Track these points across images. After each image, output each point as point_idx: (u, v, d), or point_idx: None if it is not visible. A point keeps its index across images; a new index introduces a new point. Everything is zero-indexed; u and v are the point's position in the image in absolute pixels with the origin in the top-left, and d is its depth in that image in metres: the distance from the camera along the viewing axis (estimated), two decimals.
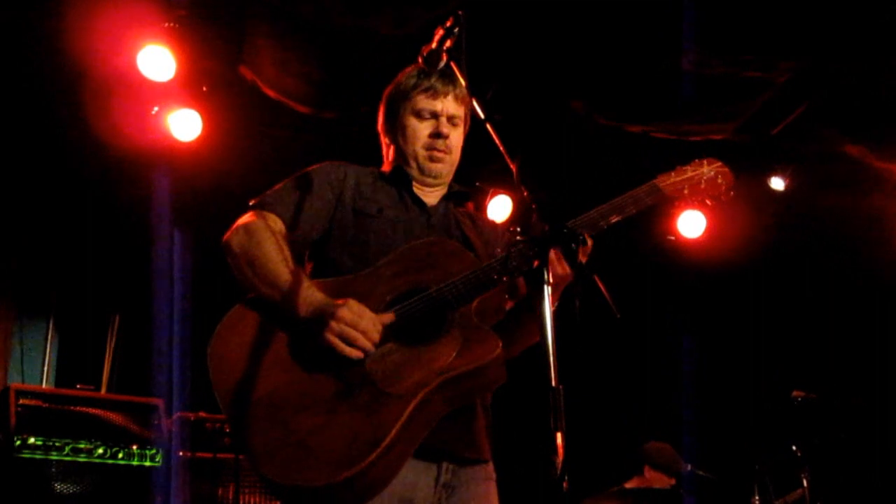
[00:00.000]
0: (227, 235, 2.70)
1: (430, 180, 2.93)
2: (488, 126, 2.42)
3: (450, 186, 3.00)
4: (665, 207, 2.64)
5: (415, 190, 2.92)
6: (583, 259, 2.52)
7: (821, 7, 5.00)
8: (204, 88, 5.54)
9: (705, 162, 2.65)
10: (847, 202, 6.86)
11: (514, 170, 2.31)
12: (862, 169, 6.48)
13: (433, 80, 2.87)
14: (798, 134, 6.19)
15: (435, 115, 2.89)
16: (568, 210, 2.48)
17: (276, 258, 2.60)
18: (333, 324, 2.44)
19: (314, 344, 2.47)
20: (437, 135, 2.89)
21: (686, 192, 2.61)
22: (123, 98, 5.38)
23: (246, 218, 2.72)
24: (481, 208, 6.64)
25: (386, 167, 3.02)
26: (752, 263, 7.35)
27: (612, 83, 5.72)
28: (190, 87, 5.47)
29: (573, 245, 2.19)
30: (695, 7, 4.91)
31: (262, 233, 2.66)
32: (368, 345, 2.45)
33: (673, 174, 2.64)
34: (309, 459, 2.34)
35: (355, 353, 2.44)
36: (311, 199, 2.79)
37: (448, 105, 2.89)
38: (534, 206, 2.23)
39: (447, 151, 2.91)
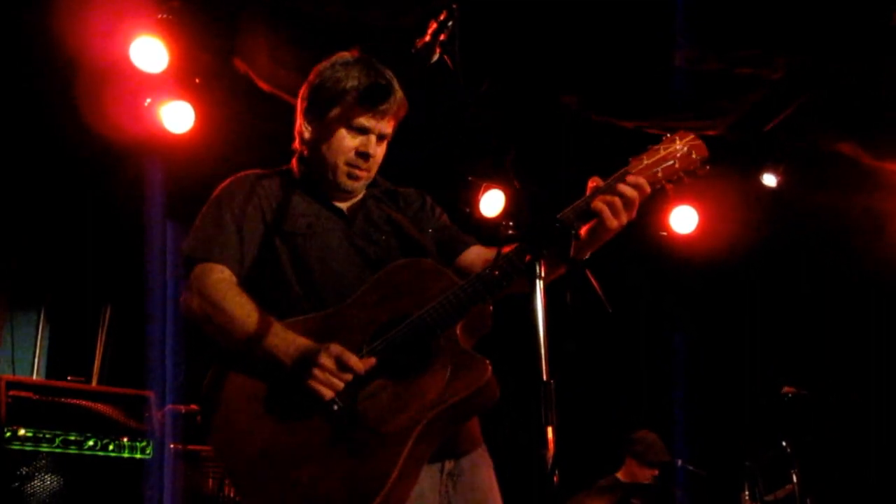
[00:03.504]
0: (183, 299, 2.64)
1: (341, 194, 2.82)
2: (481, 121, 2.41)
3: (370, 187, 2.88)
4: (649, 197, 2.47)
5: (328, 197, 2.81)
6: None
7: (817, 5, 5.00)
8: (197, 80, 5.52)
9: (677, 137, 2.50)
10: (839, 200, 6.87)
11: (506, 164, 2.30)
12: (855, 167, 6.49)
13: (378, 90, 2.70)
14: (791, 131, 6.20)
15: (366, 132, 2.74)
16: (558, 207, 2.46)
17: (242, 313, 2.54)
18: (317, 372, 2.40)
19: (302, 391, 2.43)
20: (363, 154, 2.74)
21: (660, 174, 2.46)
22: (116, 89, 5.35)
23: (195, 278, 2.64)
24: (473, 203, 6.64)
25: (295, 165, 2.90)
26: (745, 259, 7.36)
27: (605, 78, 5.72)
28: (183, 79, 5.45)
29: (566, 240, 2.19)
30: (689, 3, 4.90)
31: (217, 292, 2.59)
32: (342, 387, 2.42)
33: (645, 157, 2.50)
34: None
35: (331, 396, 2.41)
36: (244, 230, 2.70)
37: (383, 124, 2.75)
38: (526, 201, 2.23)
39: (368, 170, 2.79)
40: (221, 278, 2.62)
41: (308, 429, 2.42)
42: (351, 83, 2.73)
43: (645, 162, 2.50)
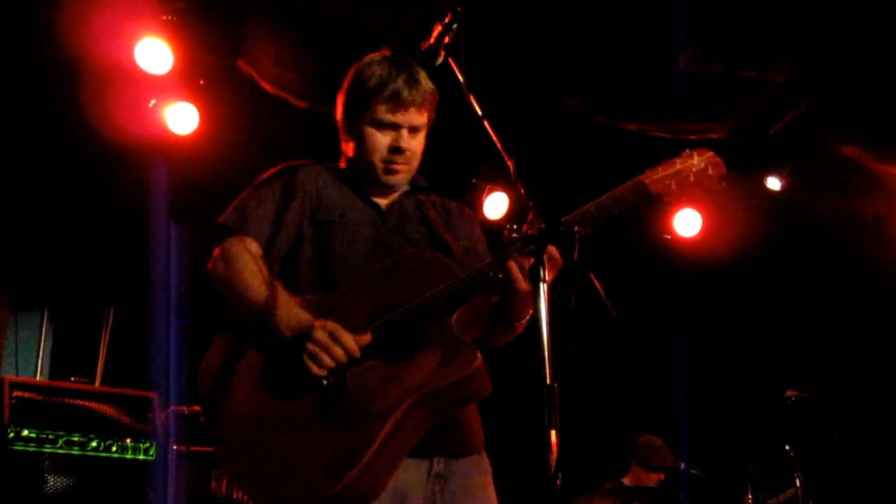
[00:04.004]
0: (208, 266, 2.72)
1: (386, 189, 2.89)
2: (485, 123, 2.43)
3: (411, 182, 2.94)
4: (659, 206, 2.51)
5: (369, 195, 2.88)
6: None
7: (820, 7, 5.00)
8: (201, 82, 5.53)
9: (695, 153, 2.52)
10: (843, 203, 6.87)
11: (510, 167, 2.31)
12: (858, 170, 6.49)
13: (398, 84, 2.77)
14: (795, 134, 6.19)
15: (396, 127, 2.80)
16: (562, 209, 2.47)
17: (256, 282, 2.61)
18: (309, 345, 2.45)
19: (296, 364, 2.48)
20: (395, 149, 2.81)
21: (673, 186, 2.48)
22: (120, 91, 5.36)
23: (224, 246, 2.73)
24: (477, 205, 6.64)
25: (343, 164, 2.98)
26: (748, 262, 7.36)
27: (609, 81, 5.72)
28: (187, 81, 5.45)
29: (570, 242, 2.19)
30: (693, 4, 4.90)
31: (239, 261, 2.67)
32: (333, 365, 2.45)
33: (660, 168, 2.52)
34: (292, 480, 2.39)
35: (322, 373, 2.45)
36: (282, 211, 2.78)
37: (410, 116, 2.80)
38: (530, 204, 2.23)
39: (406, 163, 2.85)
40: (247, 249, 2.70)
41: (297, 400, 2.47)
42: (373, 82, 2.80)
43: (660, 173, 2.53)
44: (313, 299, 2.64)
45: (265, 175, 2.89)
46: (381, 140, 2.81)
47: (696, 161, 2.51)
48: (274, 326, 2.53)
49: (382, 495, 2.49)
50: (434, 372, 2.44)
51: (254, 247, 2.71)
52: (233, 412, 2.51)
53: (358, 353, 2.46)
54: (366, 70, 2.84)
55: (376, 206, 2.87)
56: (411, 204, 2.91)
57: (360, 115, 2.83)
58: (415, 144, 2.85)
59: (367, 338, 2.49)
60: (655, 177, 2.52)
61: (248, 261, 2.66)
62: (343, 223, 2.78)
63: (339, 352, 2.45)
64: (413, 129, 2.83)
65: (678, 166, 2.52)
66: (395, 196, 2.91)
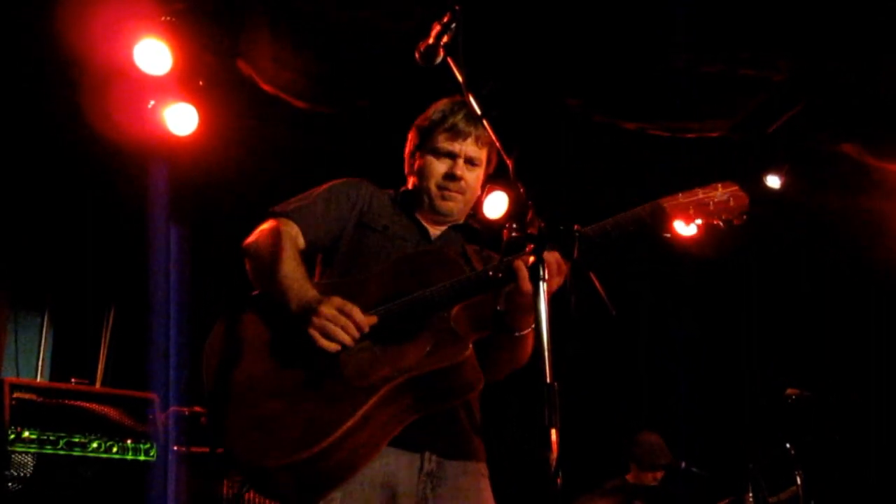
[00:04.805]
0: (247, 240, 2.83)
1: (440, 217, 3.00)
2: (485, 122, 2.44)
3: (466, 218, 3.06)
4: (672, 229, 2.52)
5: (421, 220, 2.99)
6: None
7: (819, 5, 5.00)
8: (200, 83, 5.53)
9: (720, 185, 2.57)
10: (842, 201, 6.87)
11: (510, 166, 2.32)
12: (858, 168, 6.48)
13: (457, 118, 2.92)
14: (794, 132, 6.19)
15: (452, 156, 2.94)
16: (564, 208, 2.47)
17: (278, 256, 2.70)
18: (315, 318, 2.52)
19: (299, 337, 2.54)
20: (450, 176, 2.94)
21: (691, 211, 2.53)
22: (119, 92, 5.36)
23: (266, 224, 2.85)
24: (477, 205, 6.63)
25: (403, 189, 3.09)
26: (748, 261, 7.36)
27: (608, 79, 5.72)
28: (186, 82, 5.45)
29: (569, 242, 2.20)
30: (691, 4, 4.91)
31: (276, 237, 2.77)
32: (347, 339, 2.52)
33: (681, 195, 2.58)
34: (266, 441, 2.45)
35: (332, 347, 2.52)
36: (329, 211, 2.90)
37: (467, 147, 2.93)
38: (530, 203, 2.24)
39: (460, 192, 2.96)
40: (285, 230, 2.80)
41: (290, 371, 2.56)
42: (436, 116, 2.98)
43: (680, 200, 2.57)
44: (329, 283, 2.75)
45: (330, 182, 3.01)
46: (438, 167, 2.95)
47: (720, 192, 2.56)
48: (283, 297, 2.62)
49: (371, 489, 2.55)
50: (423, 357, 2.50)
51: (294, 230, 2.82)
52: (229, 375, 2.60)
53: (366, 328, 2.54)
54: (433, 108, 3.01)
55: (424, 229, 2.98)
56: (458, 239, 3.01)
57: (422, 146, 2.99)
58: (470, 177, 2.97)
59: (372, 319, 2.56)
60: (675, 202, 2.57)
61: (283, 240, 2.76)
62: (384, 233, 2.90)
63: (346, 322, 2.52)
64: (470, 161, 2.95)
65: (700, 195, 2.56)
66: (444, 228, 3.02)
